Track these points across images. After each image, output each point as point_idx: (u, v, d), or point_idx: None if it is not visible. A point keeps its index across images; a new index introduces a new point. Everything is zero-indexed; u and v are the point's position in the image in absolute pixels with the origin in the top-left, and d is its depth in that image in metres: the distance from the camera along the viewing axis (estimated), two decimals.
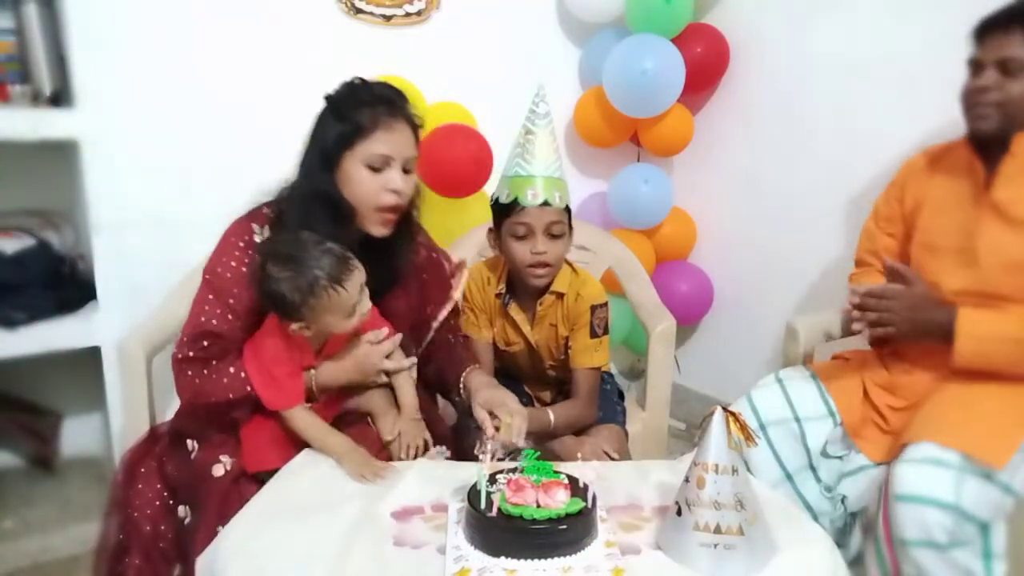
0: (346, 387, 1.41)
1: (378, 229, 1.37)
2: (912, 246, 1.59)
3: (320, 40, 2.13)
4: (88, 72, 1.83)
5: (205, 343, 1.33)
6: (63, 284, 1.97)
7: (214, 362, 1.33)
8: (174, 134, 1.97)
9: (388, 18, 2.25)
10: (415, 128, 1.39)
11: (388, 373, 1.40)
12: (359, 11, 2.20)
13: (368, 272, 1.32)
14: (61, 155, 1.93)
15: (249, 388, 1.31)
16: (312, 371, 1.35)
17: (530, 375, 1.74)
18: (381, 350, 1.37)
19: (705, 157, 2.64)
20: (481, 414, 1.35)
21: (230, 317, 1.33)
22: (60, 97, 1.87)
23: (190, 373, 1.33)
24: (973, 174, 1.48)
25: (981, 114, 1.41)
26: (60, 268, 1.99)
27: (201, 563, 1.11)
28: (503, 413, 1.33)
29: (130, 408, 1.61)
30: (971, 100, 1.43)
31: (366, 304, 1.32)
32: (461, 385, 1.46)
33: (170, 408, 1.53)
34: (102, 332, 1.88)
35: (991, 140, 1.43)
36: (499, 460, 1.26)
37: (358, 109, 1.32)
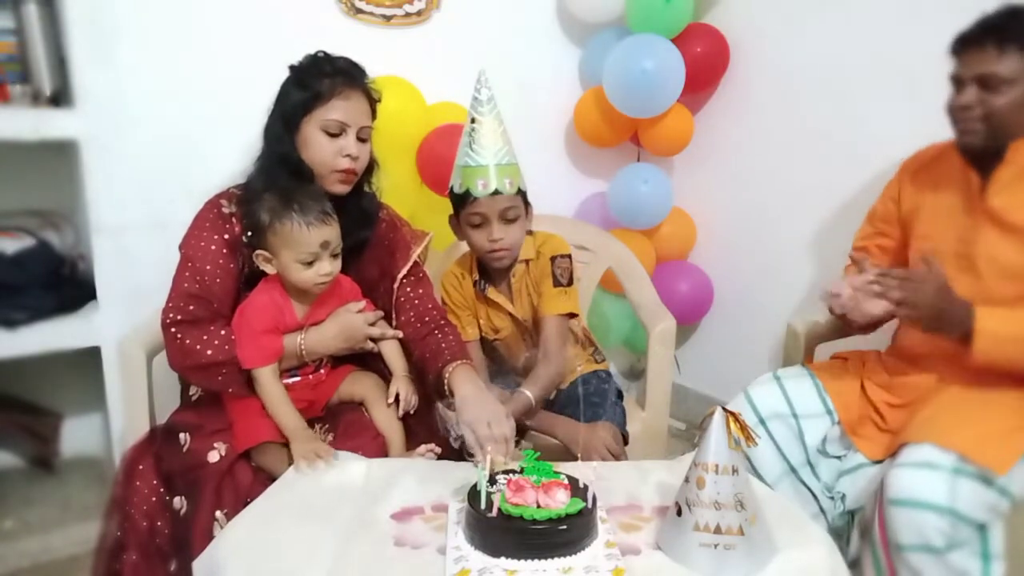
0: (339, 358, 1.50)
1: (338, 188, 1.46)
2: (911, 252, 1.59)
3: (320, 40, 2.12)
4: (88, 72, 1.83)
5: (191, 306, 1.38)
6: (63, 284, 1.97)
7: (202, 324, 1.38)
8: (174, 134, 1.96)
9: (388, 18, 2.25)
10: (371, 100, 1.50)
11: (375, 341, 1.49)
12: (359, 11, 2.20)
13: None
14: (61, 155, 1.92)
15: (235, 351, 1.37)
16: (300, 335, 1.41)
17: (525, 361, 1.73)
18: (365, 317, 1.47)
19: (705, 157, 2.64)
20: (470, 438, 1.33)
21: (208, 281, 1.39)
22: (60, 97, 1.87)
23: (179, 336, 1.37)
24: (967, 180, 1.48)
25: (968, 129, 1.41)
26: (60, 268, 1.99)
27: (200, 563, 1.11)
28: (487, 442, 1.29)
29: (130, 408, 1.61)
30: (956, 116, 1.43)
31: (326, 267, 1.38)
32: (445, 384, 1.44)
33: (170, 408, 1.53)
34: (102, 332, 1.88)
35: (983, 150, 1.43)
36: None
37: (319, 78, 1.43)
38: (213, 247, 1.41)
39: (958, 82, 1.42)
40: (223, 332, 1.37)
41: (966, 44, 1.40)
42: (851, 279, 1.45)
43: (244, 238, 1.44)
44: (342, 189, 1.47)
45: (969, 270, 1.45)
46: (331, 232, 1.37)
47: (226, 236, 1.43)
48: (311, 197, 1.37)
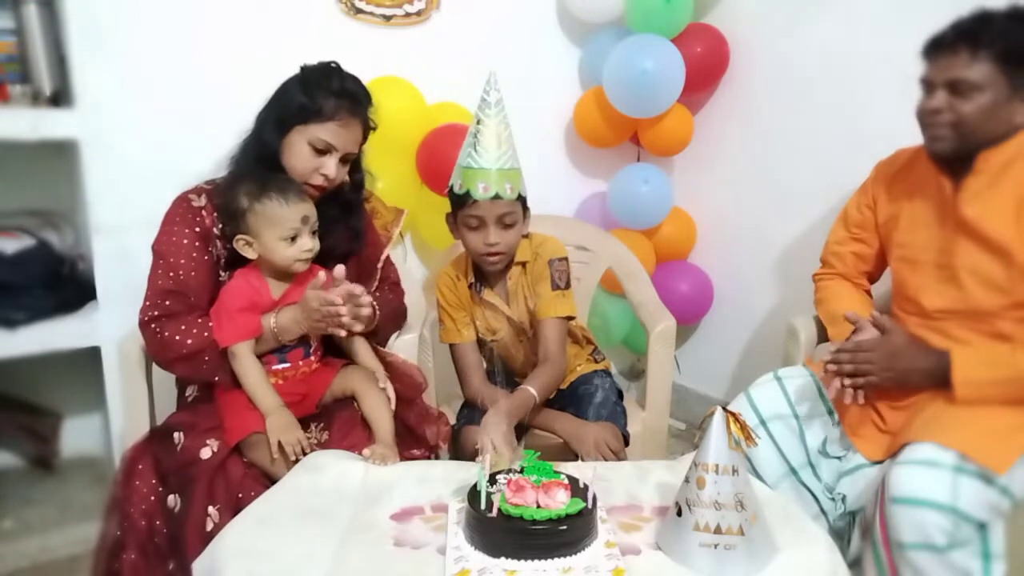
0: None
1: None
2: (892, 260, 1.60)
3: (320, 40, 2.13)
4: (88, 72, 1.83)
5: (167, 301, 1.40)
6: (63, 284, 1.96)
7: (180, 317, 1.39)
8: (174, 134, 1.96)
9: (388, 18, 2.25)
10: (367, 129, 1.52)
11: (350, 335, 1.47)
12: (359, 11, 2.20)
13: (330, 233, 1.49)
14: (61, 155, 1.92)
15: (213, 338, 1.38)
16: (273, 315, 1.42)
17: (523, 363, 1.74)
18: (324, 297, 1.36)
19: (705, 157, 2.64)
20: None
21: (183, 275, 1.41)
22: (60, 97, 1.87)
23: (156, 330, 1.39)
24: (940, 187, 1.47)
25: (936, 135, 1.41)
26: (60, 268, 1.99)
27: (200, 564, 1.11)
28: (485, 442, 1.32)
29: (130, 408, 1.61)
30: (925, 121, 1.43)
31: (308, 242, 1.40)
32: None
33: (170, 408, 1.53)
34: (102, 332, 1.88)
35: (953, 157, 1.42)
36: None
37: (325, 95, 1.43)
38: (185, 241, 1.43)
39: (928, 86, 1.41)
40: (200, 320, 1.39)
41: (938, 48, 1.39)
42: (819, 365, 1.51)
43: (215, 230, 1.46)
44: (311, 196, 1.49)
45: (951, 281, 1.45)
46: (309, 208, 1.41)
47: (197, 229, 1.45)
48: (287, 182, 1.41)
